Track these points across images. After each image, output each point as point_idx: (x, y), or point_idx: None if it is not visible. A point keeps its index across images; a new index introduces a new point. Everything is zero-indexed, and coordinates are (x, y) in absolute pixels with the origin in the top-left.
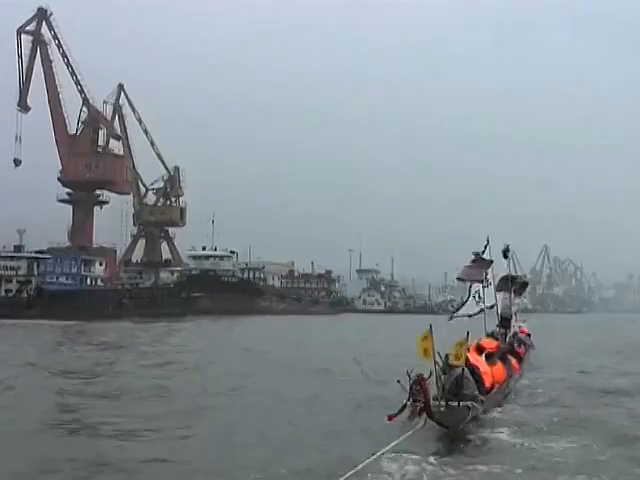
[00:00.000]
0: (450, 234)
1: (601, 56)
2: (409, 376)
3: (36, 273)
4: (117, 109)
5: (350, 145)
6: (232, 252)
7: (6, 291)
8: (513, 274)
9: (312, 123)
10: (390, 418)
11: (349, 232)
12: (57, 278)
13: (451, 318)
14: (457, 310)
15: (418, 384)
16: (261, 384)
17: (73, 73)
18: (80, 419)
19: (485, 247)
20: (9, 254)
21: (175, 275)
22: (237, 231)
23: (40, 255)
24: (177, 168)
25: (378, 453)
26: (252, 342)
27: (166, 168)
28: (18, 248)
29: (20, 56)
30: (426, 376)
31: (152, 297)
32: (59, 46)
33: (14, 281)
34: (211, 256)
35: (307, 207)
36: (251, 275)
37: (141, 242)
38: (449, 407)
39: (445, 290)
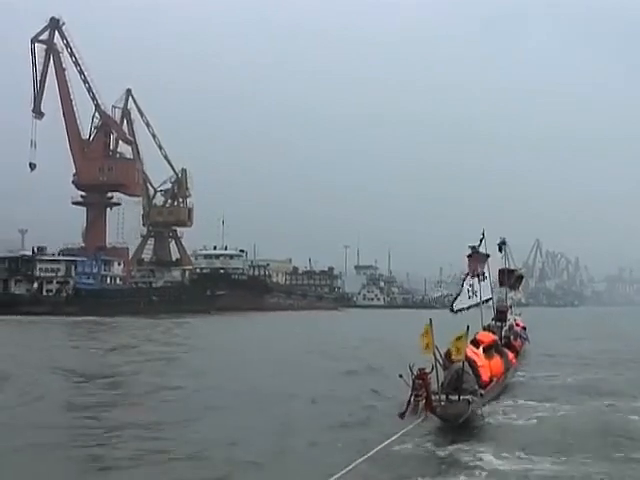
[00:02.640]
0: (443, 230)
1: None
2: (411, 371)
3: (73, 274)
4: (125, 114)
5: (347, 144)
6: (242, 251)
7: (47, 291)
8: (509, 268)
9: (309, 122)
10: (402, 416)
11: (344, 229)
12: (80, 277)
13: (455, 311)
14: (453, 302)
15: (420, 379)
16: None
17: (85, 80)
18: None
19: (481, 241)
20: (50, 258)
21: (187, 274)
22: (235, 229)
23: (77, 258)
24: (184, 170)
25: (376, 448)
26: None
27: (174, 170)
28: (41, 249)
29: (34, 64)
30: (428, 370)
31: (178, 295)
32: (71, 54)
33: (54, 282)
34: (221, 255)
35: (302, 204)
36: (257, 273)
37: (150, 242)
38: (449, 401)
39: (440, 285)
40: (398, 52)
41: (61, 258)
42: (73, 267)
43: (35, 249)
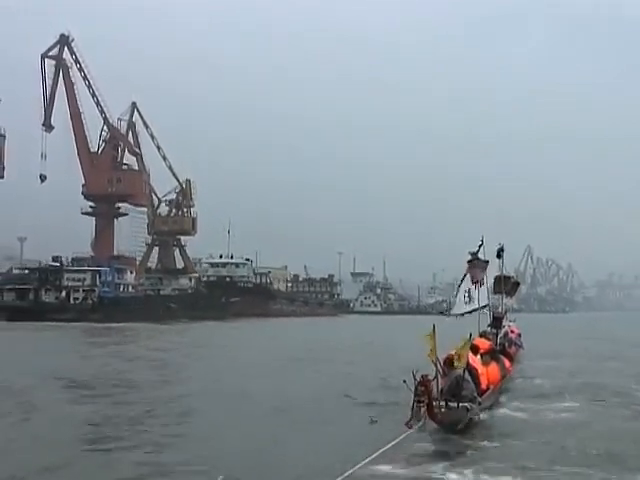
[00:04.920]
0: (436, 234)
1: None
2: (414, 377)
3: (98, 283)
4: (131, 126)
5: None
6: (247, 260)
7: (74, 299)
8: (506, 274)
9: (301, 126)
10: (409, 424)
11: (336, 233)
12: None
13: (449, 316)
14: (450, 309)
15: (423, 385)
16: None
17: (94, 94)
18: None
19: (479, 247)
20: (77, 268)
21: (194, 281)
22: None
23: (101, 268)
24: (188, 181)
25: (373, 455)
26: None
27: (178, 181)
28: (56, 259)
29: (44, 79)
30: (431, 377)
31: (194, 302)
32: (80, 69)
33: (80, 290)
34: (228, 263)
35: (298, 209)
36: (260, 280)
37: (154, 250)
38: (448, 408)
39: (434, 291)
40: (396, 53)
41: (87, 268)
42: (97, 276)
43: (51, 259)
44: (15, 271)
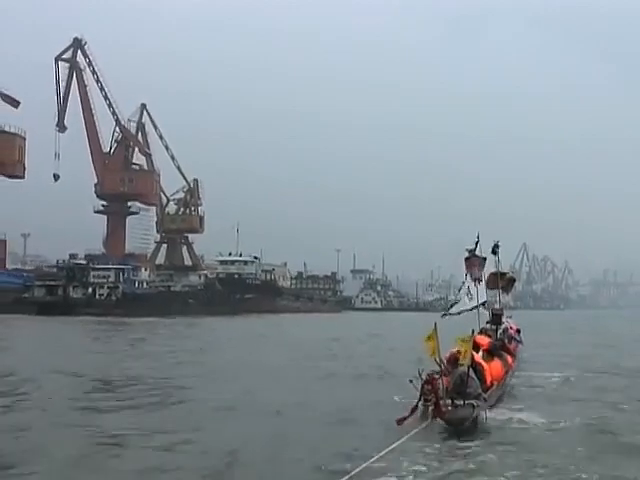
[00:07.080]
0: (433, 233)
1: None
2: (420, 376)
3: (121, 280)
4: (140, 127)
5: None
6: (255, 257)
7: (99, 295)
8: (502, 271)
9: (293, 127)
10: (400, 421)
11: (331, 231)
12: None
13: (444, 315)
14: (451, 308)
15: (430, 384)
16: None
17: (106, 96)
18: None
19: (476, 244)
20: (102, 266)
21: (203, 278)
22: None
23: (124, 266)
24: (196, 180)
25: (381, 453)
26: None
27: (186, 180)
28: (73, 256)
29: (58, 81)
30: (437, 375)
31: (211, 298)
32: (93, 72)
33: (105, 287)
34: (236, 261)
35: (295, 208)
36: (266, 277)
37: (163, 248)
38: (454, 405)
39: (431, 288)
40: (392, 54)
41: (111, 266)
42: (121, 274)
43: (69, 256)
44: (45, 269)
